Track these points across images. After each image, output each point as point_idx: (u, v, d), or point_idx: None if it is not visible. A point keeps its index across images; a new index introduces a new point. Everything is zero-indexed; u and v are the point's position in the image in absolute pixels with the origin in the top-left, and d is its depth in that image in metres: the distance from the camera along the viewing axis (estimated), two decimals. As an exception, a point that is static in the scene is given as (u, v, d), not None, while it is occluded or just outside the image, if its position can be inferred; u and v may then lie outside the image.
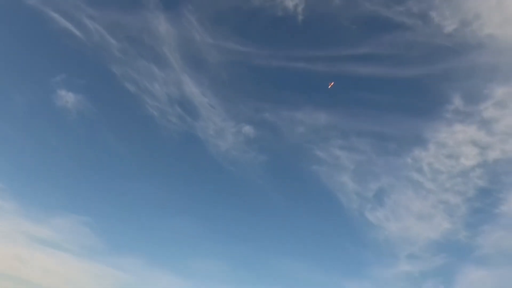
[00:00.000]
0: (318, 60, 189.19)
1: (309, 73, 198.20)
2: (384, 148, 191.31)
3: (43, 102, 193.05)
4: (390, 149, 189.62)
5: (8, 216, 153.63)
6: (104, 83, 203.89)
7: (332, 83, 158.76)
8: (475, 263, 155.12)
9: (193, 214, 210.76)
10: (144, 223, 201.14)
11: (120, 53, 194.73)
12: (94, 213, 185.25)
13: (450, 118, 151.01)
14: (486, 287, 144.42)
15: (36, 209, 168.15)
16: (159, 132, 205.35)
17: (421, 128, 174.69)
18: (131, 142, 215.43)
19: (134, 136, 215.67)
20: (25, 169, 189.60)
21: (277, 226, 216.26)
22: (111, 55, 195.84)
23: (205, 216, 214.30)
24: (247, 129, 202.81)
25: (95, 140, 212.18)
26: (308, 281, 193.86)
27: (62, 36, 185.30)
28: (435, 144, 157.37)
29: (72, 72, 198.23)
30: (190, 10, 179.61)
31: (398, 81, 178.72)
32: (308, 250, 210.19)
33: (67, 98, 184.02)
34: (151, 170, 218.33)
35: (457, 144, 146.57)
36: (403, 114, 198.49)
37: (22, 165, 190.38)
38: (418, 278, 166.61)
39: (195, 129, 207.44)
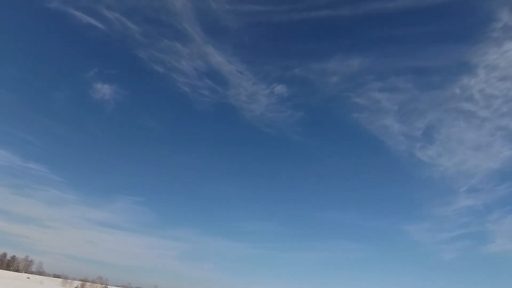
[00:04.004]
0: (340, 4, 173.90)
1: (333, 19, 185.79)
2: (428, 83, 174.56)
3: (82, 98, 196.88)
4: (434, 83, 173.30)
5: (72, 206, 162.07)
6: (134, 69, 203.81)
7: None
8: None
9: (237, 179, 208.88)
10: (193, 195, 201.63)
11: (143, 37, 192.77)
12: (146, 192, 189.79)
13: (499, 37, 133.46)
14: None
15: (95, 197, 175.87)
16: (193, 106, 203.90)
17: (466, 53, 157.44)
18: (169, 121, 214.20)
19: (171, 114, 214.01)
20: (78, 162, 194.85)
21: (323, 180, 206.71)
22: (135, 41, 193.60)
23: (249, 180, 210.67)
24: (279, 88, 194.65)
25: (136, 125, 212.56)
26: (363, 229, 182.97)
27: (87, 31, 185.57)
28: (485, 68, 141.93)
29: (103, 65, 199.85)
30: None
31: (432, 9, 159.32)
32: (359, 199, 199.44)
33: (103, 90, 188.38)
34: (191, 144, 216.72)
35: (510, 63, 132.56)
36: (443, 43, 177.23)
37: (75, 159, 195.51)
38: (482, 211, 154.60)
39: (228, 98, 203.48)
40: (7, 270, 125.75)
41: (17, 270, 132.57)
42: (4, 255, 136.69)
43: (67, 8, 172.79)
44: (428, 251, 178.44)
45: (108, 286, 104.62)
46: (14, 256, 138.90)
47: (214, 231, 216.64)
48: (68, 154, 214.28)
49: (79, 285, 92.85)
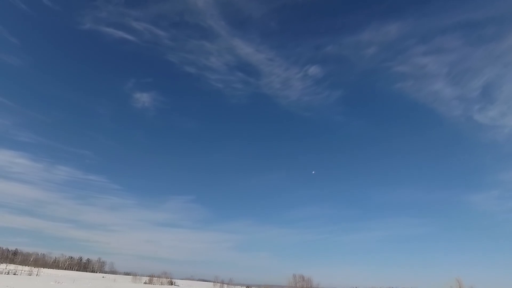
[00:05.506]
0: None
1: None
2: (481, 37, 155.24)
3: (125, 109, 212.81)
4: (488, 35, 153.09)
5: (132, 210, 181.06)
6: (168, 74, 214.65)
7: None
8: None
9: (284, 167, 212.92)
10: (242, 188, 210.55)
11: (171, 41, 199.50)
12: (197, 190, 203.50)
13: None
14: None
15: (151, 199, 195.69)
16: (228, 101, 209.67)
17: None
18: (206, 119, 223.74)
19: (208, 112, 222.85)
20: (131, 170, 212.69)
21: (372, 157, 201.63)
22: (164, 46, 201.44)
23: (296, 167, 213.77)
24: (313, 69, 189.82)
25: (176, 128, 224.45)
26: (423, 203, 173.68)
27: (119, 45, 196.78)
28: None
29: (139, 75, 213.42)
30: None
31: None
32: (415, 172, 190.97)
33: (143, 98, 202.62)
34: (232, 138, 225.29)
35: None
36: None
37: (128, 167, 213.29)
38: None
39: (261, 88, 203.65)
40: (84, 271, 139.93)
41: (93, 271, 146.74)
42: (80, 258, 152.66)
43: (99, 26, 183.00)
44: (498, 221, 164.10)
45: (173, 280, 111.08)
46: (88, 258, 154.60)
47: (268, 220, 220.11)
48: (121, 163, 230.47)
49: (147, 280, 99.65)
